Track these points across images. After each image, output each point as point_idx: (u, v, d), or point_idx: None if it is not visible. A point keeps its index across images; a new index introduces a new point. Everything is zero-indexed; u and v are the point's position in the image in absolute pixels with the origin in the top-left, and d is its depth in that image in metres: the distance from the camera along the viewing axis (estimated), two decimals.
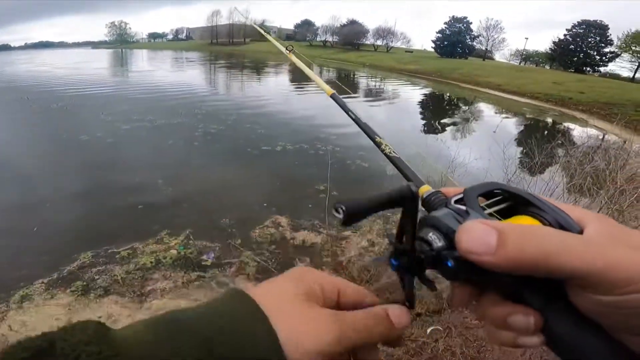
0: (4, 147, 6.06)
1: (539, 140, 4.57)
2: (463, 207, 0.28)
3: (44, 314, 2.46)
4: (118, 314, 2.52)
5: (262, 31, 1.39)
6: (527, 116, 14.24)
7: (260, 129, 7.88)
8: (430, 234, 0.27)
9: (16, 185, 4.57)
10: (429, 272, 0.29)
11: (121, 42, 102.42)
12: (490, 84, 23.79)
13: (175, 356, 0.23)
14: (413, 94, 19.19)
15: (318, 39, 73.90)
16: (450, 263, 0.26)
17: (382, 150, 0.59)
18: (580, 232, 0.26)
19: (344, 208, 0.27)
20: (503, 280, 0.26)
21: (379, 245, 3.55)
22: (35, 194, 4.31)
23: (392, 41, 63.19)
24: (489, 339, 0.31)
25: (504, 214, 0.29)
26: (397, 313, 0.31)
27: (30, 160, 5.48)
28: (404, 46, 66.14)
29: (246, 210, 4.13)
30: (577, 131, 11.25)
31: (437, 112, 14.48)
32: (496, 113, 14.54)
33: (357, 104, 13.29)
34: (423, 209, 0.33)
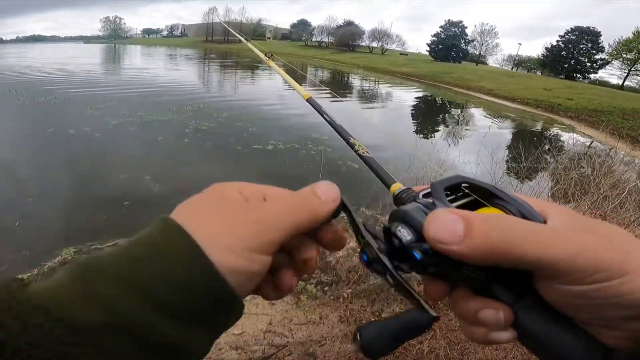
0: None
1: (527, 145, 4.63)
2: (431, 200, 0.28)
3: None
4: None
5: (242, 38, 1.37)
6: (516, 121, 14.42)
7: (251, 127, 7.85)
8: (399, 228, 0.27)
9: None
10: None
11: (115, 37, 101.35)
12: (482, 89, 24.05)
13: (92, 295, 0.21)
14: (405, 96, 19.29)
15: (314, 39, 73.99)
16: (418, 255, 0.25)
17: (356, 151, 0.61)
18: (544, 222, 0.26)
19: (360, 335, 0.25)
20: (472, 274, 0.26)
21: None
22: (18, 188, 4.23)
23: (387, 43, 63.70)
24: (464, 335, 0.30)
25: (470, 207, 0.29)
26: (323, 187, 0.30)
27: (15, 154, 5.36)
28: (399, 49, 66.59)
29: None
30: (564, 137, 11.42)
31: (428, 115, 14.59)
32: (486, 117, 14.69)
33: (349, 105, 13.33)
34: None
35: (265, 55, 1.19)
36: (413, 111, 14.89)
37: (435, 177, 4.34)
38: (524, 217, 0.27)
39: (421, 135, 10.00)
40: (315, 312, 2.53)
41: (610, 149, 6.13)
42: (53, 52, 36.40)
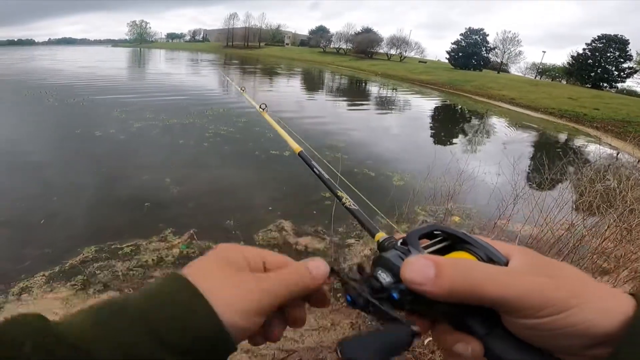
0: (18, 140, 6.21)
1: (550, 156, 4.50)
2: (407, 248, 0.32)
3: (41, 307, 2.48)
4: None
5: (240, 90, 1.42)
6: (540, 131, 14.06)
7: (269, 132, 7.93)
8: (380, 272, 0.31)
9: (26, 178, 4.66)
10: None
11: (140, 41, 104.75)
12: (504, 98, 23.61)
13: (114, 336, 0.25)
14: (424, 104, 19.12)
15: (332, 45, 74.39)
16: (395, 295, 0.29)
17: (343, 204, 0.65)
18: (506, 264, 0.30)
19: (342, 350, 0.26)
20: (445, 310, 0.29)
21: None
22: (44, 187, 4.40)
23: (405, 51, 63.32)
24: None
25: (443, 251, 0.33)
26: (314, 264, 0.35)
27: (42, 153, 5.59)
28: (417, 56, 66.12)
29: (251, 213, 4.14)
30: (590, 148, 11.06)
31: (447, 124, 14.39)
32: (508, 127, 14.38)
33: (366, 114, 13.24)
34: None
35: (260, 107, 1.25)
36: (431, 119, 14.72)
37: (453, 187, 4.28)
38: (489, 259, 0.31)
39: (440, 144, 9.88)
40: (327, 318, 2.53)
41: (638, 161, 5.90)
42: (82, 55, 37.90)
